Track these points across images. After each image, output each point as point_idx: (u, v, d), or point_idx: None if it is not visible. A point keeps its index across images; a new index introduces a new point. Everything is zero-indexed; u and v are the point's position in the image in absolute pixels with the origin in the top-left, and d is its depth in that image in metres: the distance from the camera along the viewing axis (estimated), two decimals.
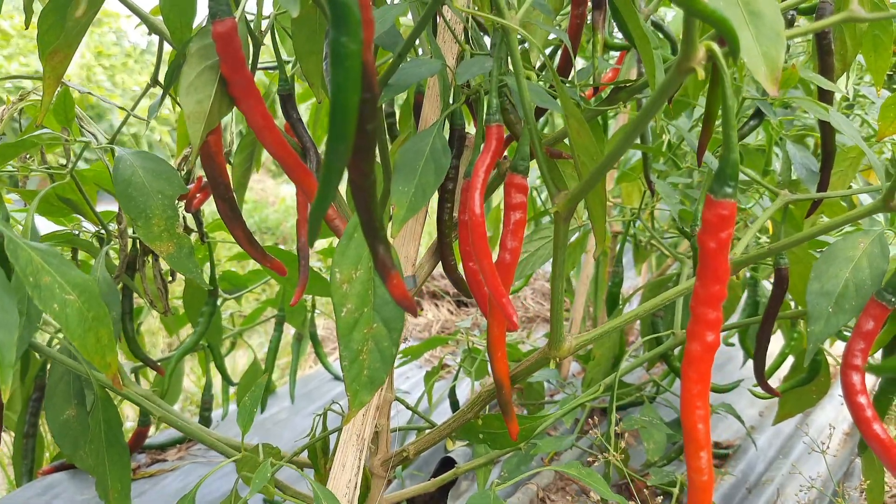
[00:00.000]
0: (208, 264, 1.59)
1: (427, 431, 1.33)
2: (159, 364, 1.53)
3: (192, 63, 0.85)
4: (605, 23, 1.20)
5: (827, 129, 1.18)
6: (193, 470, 1.63)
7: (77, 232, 1.47)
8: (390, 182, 1.01)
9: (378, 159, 1.07)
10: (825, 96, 1.17)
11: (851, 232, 1.10)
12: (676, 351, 1.60)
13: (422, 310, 3.08)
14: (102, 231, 1.45)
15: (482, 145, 0.94)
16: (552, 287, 0.99)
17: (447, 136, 1.11)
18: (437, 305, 3.12)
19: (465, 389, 2.10)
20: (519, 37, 0.94)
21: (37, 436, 1.59)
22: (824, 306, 1.01)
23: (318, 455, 1.25)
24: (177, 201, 1.09)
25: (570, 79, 1.20)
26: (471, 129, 1.22)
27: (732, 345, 2.17)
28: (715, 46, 0.64)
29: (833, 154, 1.20)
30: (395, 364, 1.15)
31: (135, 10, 1.14)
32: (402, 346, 1.95)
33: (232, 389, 2.14)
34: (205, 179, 1.29)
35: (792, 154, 1.28)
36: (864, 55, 1.34)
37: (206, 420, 1.81)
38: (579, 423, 1.58)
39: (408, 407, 1.48)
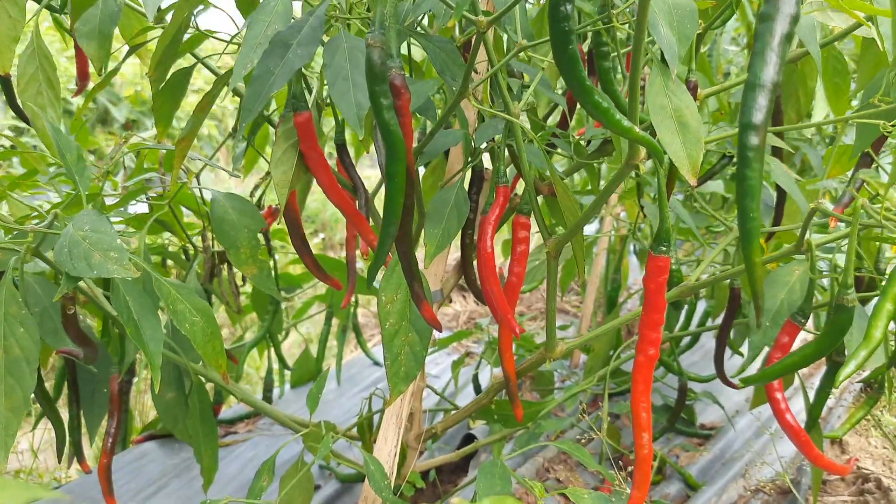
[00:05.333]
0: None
1: (452, 412, 1.63)
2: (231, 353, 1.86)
3: (279, 143, 1.15)
4: (598, 84, 1.48)
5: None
6: (261, 441, 1.96)
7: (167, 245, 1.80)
8: (423, 218, 1.30)
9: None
10: (776, 151, 1.43)
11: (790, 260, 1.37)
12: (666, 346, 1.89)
13: (451, 301, 3.38)
14: (188, 245, 1.77)
15: (492, 202, 1.22)
16: (547, 305, 1.28)
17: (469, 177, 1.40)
18: (464, 297, 3.43)
19: (486, 375, 2.40)
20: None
21: (128, 411, 1.93)
22: (763, 321, 1.29)
23: (365, 430, 1.56)
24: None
25: (567, 132, 1.48)
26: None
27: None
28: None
29: (784, 194, 1.47)
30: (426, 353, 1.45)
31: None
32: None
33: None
34: (274, 206, 1.62)
35: None
36: (828, 99, 1.61)
37: (268, 399, 2.13)
38: (581, 407, 1.88)
39: (436, 392, 1.79)
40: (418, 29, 1.35)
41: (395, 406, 1.38)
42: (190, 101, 5.85)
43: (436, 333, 3.21)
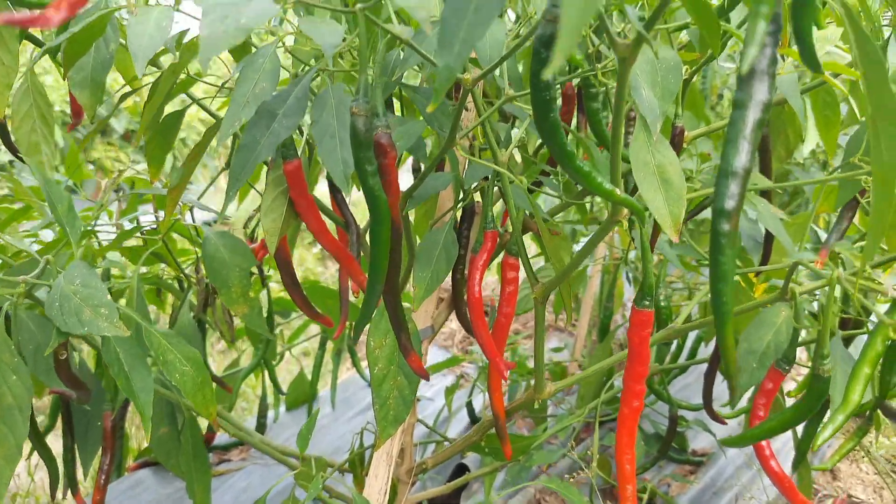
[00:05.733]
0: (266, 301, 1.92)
1: (444, 445, 1.64)
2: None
3: (270, 190, 1.16)
4: (587, 124, 1.48)
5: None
6: (255, 470, 1.97)
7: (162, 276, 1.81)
8: (412, 258, 1.32)
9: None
10: (765, 193, 1.44)
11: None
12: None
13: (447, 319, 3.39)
14: (181, 275, 1.78)
15: (480, 246, 1.23)
16: (535, 346, 1.29)
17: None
18: None
19: (480, 400, 2.41)
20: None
21: (123, 437, 1.94)
22: (750, 362, 1.30)
23: (357, 465, 1.57)
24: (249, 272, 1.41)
25: (556, 168, 1.49)
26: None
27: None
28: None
29: (772, 235, 1.48)
30: None
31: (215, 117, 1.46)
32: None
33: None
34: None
35: (741, 227, 1.56)
36: (819, 131, 1.62)
37: (262, 426, 2.14)
38: (574, 433, 1.89)
39: (428, 427, 1.79)
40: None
41: (385, 444, 1.39)
42: (189, 112, 5.90)
43: (429, 358, 3.21)
